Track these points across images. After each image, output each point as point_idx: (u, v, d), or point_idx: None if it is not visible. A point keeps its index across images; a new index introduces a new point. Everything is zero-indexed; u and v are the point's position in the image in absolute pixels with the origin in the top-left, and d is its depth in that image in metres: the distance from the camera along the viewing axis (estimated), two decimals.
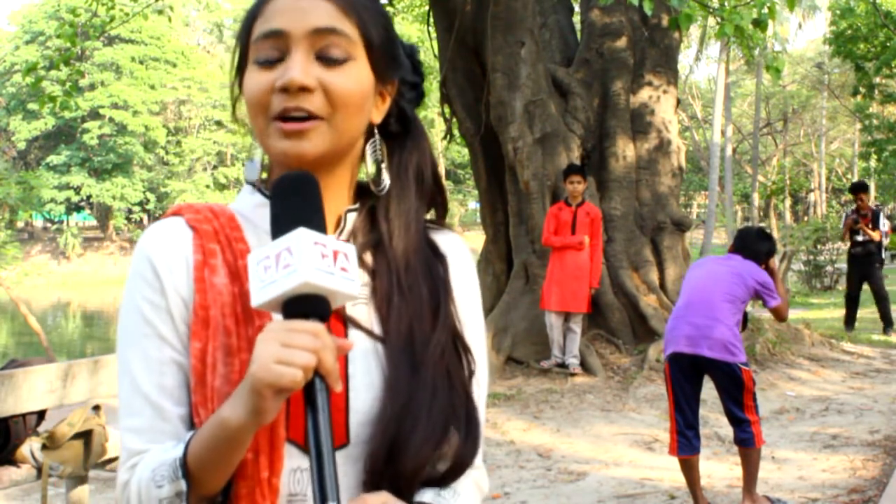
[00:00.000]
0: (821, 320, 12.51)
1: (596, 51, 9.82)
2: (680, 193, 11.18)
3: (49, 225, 51.88)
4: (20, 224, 44.05)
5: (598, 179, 9.38)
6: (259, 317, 1.04)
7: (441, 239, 1.20)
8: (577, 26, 11.22)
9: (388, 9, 10.59)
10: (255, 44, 1.08)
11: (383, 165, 1.15)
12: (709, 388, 4.88)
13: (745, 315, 4.78)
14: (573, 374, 7.87)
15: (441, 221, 1.23)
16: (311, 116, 1.05)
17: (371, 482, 1.04)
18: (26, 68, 9.10)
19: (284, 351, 0.90)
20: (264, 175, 1.18)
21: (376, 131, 1.15)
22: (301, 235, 0.95)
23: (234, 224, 1.12)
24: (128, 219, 49.64)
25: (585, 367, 8.00)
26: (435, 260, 1.16)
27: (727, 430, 6.29)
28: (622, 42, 9.75)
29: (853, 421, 6.75)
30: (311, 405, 0.94)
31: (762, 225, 6.11)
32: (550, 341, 8.05)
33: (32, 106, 40.34)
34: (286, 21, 1.06)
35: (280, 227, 0.98)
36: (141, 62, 47.78)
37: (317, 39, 1.06)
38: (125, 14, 9.96)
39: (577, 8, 11.37)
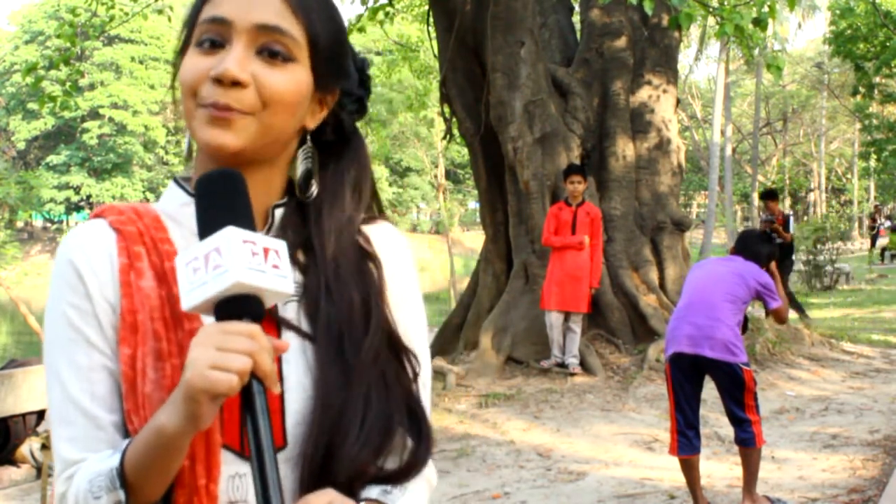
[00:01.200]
0: (820, 320, 12.52)
1: (596, 50, 9.82)
2: (680, 193, 11.20)
3: (49, 225, 51.86)
4: (20, 224, 44.07)
5: (598, 179, 9.38)
6: (189, 320, 1.02)
7: (374, 232, 1.17)
8: (577, 26, 11.22)
9: (388, 9, 10.58)
10: (199, 27, 1.06)
11: (314, 174, 1.12)
12: (709, 388, 4.88)
13: (746, 318, 4.79)
14: (573, 374, 7.87)
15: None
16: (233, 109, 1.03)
17: (310, 485, 1.01)
18: (26, 68, 9.09)
19: (219, 355, 0.88)
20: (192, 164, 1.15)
21: (309, 138, 1.13)
22: (229, 234, 0.92)
23: (159, 224, 1.09)
24: None
25: (585, 366, 8.00)
26: (367, 262, 1.13)
27: (727, 430, 6.29)
28: (622, 42, 9.75)
29: (853, 421, 6.75)
30: (249, 409, 0.91)
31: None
32: (550, 341, 8.05)
33: (32, 106, 40.32)
34: (233, 10, 1.03)
35: (207, 226, 0.95)
36: (141, 62, 47.78)
37: (260, 35, 1.03)
38: (125, 14, 9.96)
39: (576, 7, 11.38)
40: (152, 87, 47.87)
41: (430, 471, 1.14)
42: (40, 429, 5.96)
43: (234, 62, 1.01)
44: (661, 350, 8.10)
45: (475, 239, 41.73)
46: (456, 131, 9.71)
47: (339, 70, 1.12)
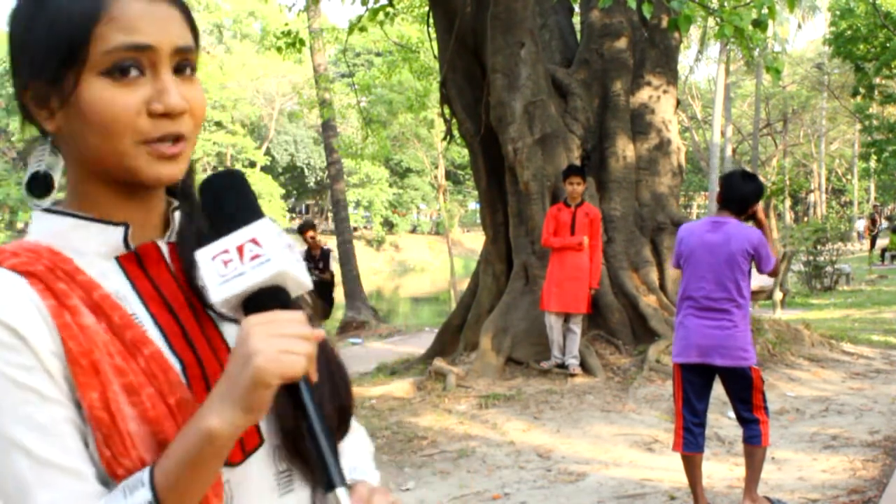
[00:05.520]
0: (821, 321, 12.52)
1: (596, 51, 9.83)
2: (680, 194, 11.20)
3: None
4: (20, 225, 44.04)
5: (598, 180, 9.38)
6: (144, 345, 0.96)
7: None
8: (577, 27, 11.22)
9: (388, 9, 10.58)
10: (110, 54, 0.95)
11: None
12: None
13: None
14: (573, 375, 7.87)
15: None
16: (180, 137, 1.00)
17: (286, 451, 1.04)
18: None
19: (286, 341, 0.89)
20: (59, 195, 1.04)
21: None
22: (268, 226, 0.93)
23: (61, 256, 0.98)
24: None
25: (585, 367, 8.00)
26: None
27: (727, 431, 6.30)
28: (622, 43, 9.76)
29: (853, 421, 6.75)
30: (294, 394, 0.92)
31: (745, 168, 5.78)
32: (550, 342, 8.05)
33: None
34: (152, 34, 0.96)
35: (231, 221, 0.95)
36: None
37: (175, 56, 0.99)
38: None
39: (577, 9, 11.38)
40: None
41: (364, 435, 1.25)
42: None
43: (176, 95, 0.97)
44: (662, 351, 8.12)
45: (475, 240, 41.71)
46: (456, 132, 9.72)
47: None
